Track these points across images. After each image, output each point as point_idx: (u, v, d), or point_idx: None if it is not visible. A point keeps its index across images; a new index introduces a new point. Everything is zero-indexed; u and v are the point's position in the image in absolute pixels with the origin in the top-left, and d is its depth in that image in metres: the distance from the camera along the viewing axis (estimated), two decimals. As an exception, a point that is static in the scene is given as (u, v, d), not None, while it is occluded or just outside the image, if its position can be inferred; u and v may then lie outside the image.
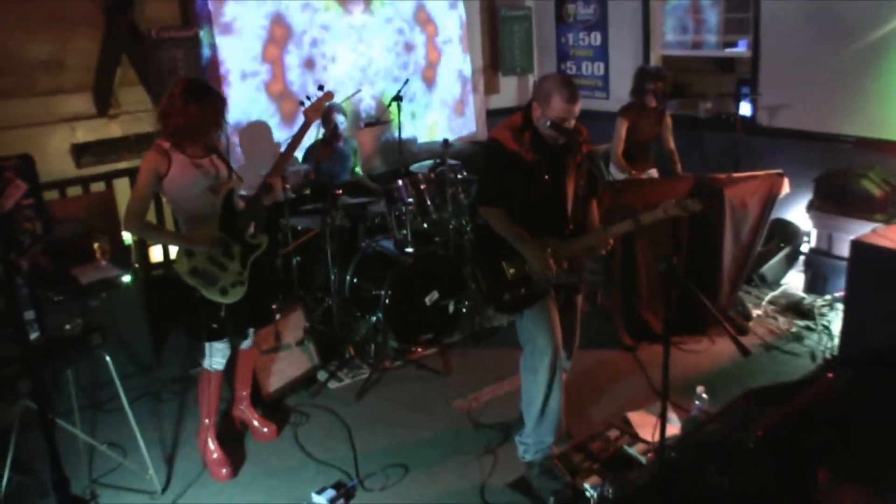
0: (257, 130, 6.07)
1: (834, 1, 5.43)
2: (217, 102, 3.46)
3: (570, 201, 3.49)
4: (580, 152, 3.29)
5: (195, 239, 3.48)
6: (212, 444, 3.80)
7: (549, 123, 3.25)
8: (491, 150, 3.45)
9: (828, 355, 4.72)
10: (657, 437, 3.39)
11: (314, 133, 5.70)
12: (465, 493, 3.59)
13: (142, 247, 5.37)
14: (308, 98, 3.90)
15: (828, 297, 5.39)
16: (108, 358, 3.51)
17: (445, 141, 5.41)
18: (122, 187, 5.44)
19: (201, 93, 3.42)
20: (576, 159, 3.41)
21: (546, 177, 3.39)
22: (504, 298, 3.46)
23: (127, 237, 5.26)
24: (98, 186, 5.42)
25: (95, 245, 4.85)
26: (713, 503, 3.11)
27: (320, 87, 3.94)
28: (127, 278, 4.72)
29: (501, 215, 3.38)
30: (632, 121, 5.58)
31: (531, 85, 8.10)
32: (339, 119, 5.65)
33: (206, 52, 5.67)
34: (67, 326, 3.40)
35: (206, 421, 3.81)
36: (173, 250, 5.06)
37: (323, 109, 3.91)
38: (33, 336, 4.15)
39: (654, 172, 5.75)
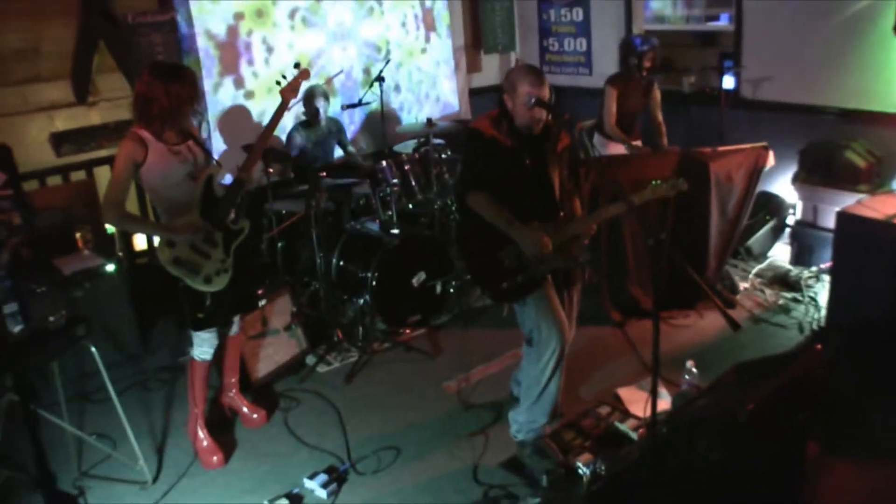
0: (237, 115, 6.00)
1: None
2: (191, 76, 3.46)
3: (557, 188, 3.48)
4: (559, 139, 3.31)
5: (176, 228, 3.42)
6: (201, 433, 3.78)
7: (534, 100, 3.23)
8: (470, 139, 3.44)
9: (815, 326, 4.74)
10: (648, 413, 3.40)
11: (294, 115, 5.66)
12: (457, 474, 3.59)
13: (125, 235, 5.31)
14: (284, 77, 3.82)
15: (814, 268, 5.42)
16: (93, 349, 3.47)
17: (429, 120, 5.37)
18: (103, 175, 5.36)
19: (175, 71, 3.41)
20: (556, 146, 3.41)
21: (527, 161, 3.38)
22: (502, 287, 3.44)
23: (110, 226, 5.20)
24: (79, 175, 5.35)
25: (78, 235, 4.79)
26: (705, 478, 3.12)
27: (296, 66, 3.85)
28: (111, 267, 4.67)
29: (488, 199, 3.35)
30: (620, 90, 5.56)
31: (513, 62, 8.05)
32: (321, 105, 5.60)
33: (184, 34, 5.59)
34: (51, 318, 3.34)
35: (196, 410, 3.78)
36: (156, 239, 5.05)
37: (299, 88, 3.82)
38: (17, 329, 4.11)
39: (639, 144, 5.74)
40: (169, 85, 3.31)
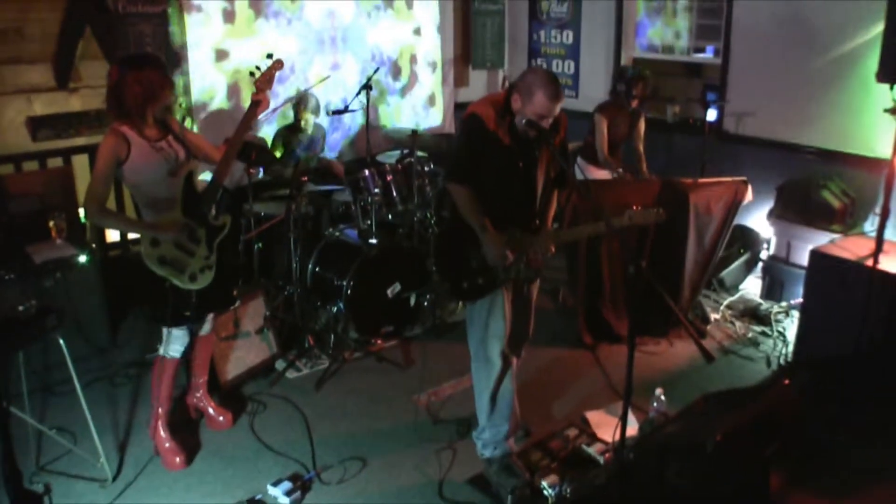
0: (220, 112, 5.96)
1: (805, 11, 5.50)
2: (160, 62, 3.47)
3: (538, 195, 3.48)
4: (551, 145, 3.26)
5: (161, 226, 3.38)
6: (164, 433, 3.72)
7: (524, 121, 3.22)
8: (470, 125, 3.32)
9: (782, 361, 4.80)
10: (615, 438, 3.41)
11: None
12: (423, 488, 3.57)
13: (98, 227, 5.23)
14: (258, 68, 3.74)
15: (784, 303, 5.49)
16: (61, 340, 3.40)
17: (414, 132, 5.36)
18: (80, 163, 5.29)
19: (144, 58, 3.45)
20: (545, 153, 3.39)
21: (520, 164, 3.35)
22: (462, 286, 3.45)
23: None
24: (56, 162, 5.27)
25: (51, 223, 4.70)
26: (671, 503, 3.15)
27: (269, 56, 3.76)
28: (83, 258, 4.59)
29: (469, 196, 3.31)
30: (610, 119, 5.62)
31: (500, 80, 8.09)
32: (310, 119, 5.60)
33: (174, 28, 5.54)
34: (21, 307, 3.28)
35: (160, 409, 3.72)
36: (131, 234, 4.98)
37: (273, 79, 3.73)
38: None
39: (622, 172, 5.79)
40: (139, 72, 3.29)
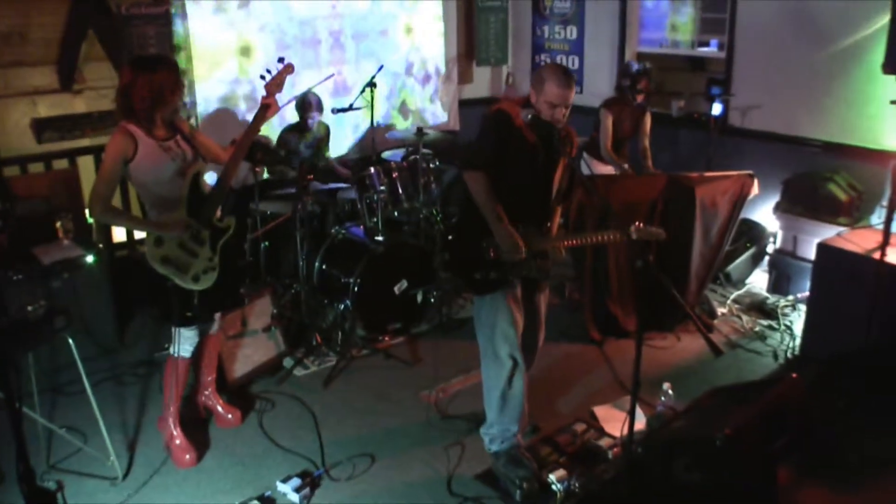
0: (224, 114, 5.97)
1: (810, 3, 5.48)
2: (173, 64, 3.45)
3: (552, 198, 3.50)
4: (568, 154, 3.34)
5: (165, 224, 3.39)
6: (175, 431, 3.74)
7: (529, 116, 3.25)
8: (496, 119, 3.38)
9: (790, 355, 4.79)
10: (623, 432, 3.41)
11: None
12: (432, 484, 3.58)
13: (104, 227, 5.25)
14: (268, 72, 3.75)
15: (791, 297, 5.48)
16: (70, 341, 3.42)
17: (419, 129, 5.36)
18: (85, 165, 5.31)
19: (156, 60, 3.41)
20: (563, 160, 3.43)
21: (540, 164, 3.40)
22: (474, 276, 3.46)
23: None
24: (61, 163, 5.29)
25: (58, 224, 4.72)
26: (679, 499, 3.15)
27: (280, 60, 3.78)
28: (90, 258, 4.60)
29: (486, 183, 3.33)
30: (615, 115, 5.63)
31: (504, 76, 8.09)
32: (312, 115, 5.60)
33: (178, 29, 5.55)
34: (30, 308, 3.30)
35: (171, 407, 3.73)
36: (139, 232, 4.99)
37: (283, 83, 3.75)
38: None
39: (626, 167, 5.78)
40: (152, 74, 3.28)
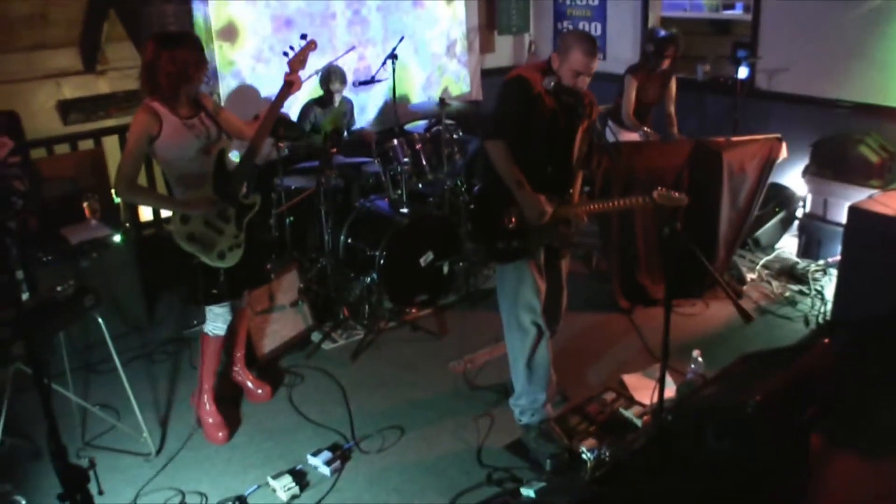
0: (247, 90, 5.96)
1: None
2: (196, 40, 3.41)
3: (574, 163, 3.46)
4: (589, 118, 3.32)
5: (191, 203, 3.39)
6: (209, 407, 3.78)
7: (552, 84, 3.21)
8: (515, 85, 3.32)
9: (821, 320, 4.73)
10: (653, 401, 3.40)
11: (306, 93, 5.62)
12: (461, 456, 3.59)
13: (131, 206, 5.29)
14: (291, 48, 3.72)
15: (821, 262, 5.40)
16: (100, 319, 3.46)
17: (442, 100, 5.32)
18: (111, 145, 5.34)
19: (179, 37, 3.38)
20: (583, 124, 3.39)
21: (561, 128, 3.36)
22: (497, 245, 3.45)
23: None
24: (87, 144, 5.32)
25: (85, 204, 4.76)
26: (710, 467, 3.13)
27: (303, 37, 3.75)
28: (118, 238, 4.64)
29: (507, 152, 3.30)
30: (641, 82, 5.56)
31: (527, 44, 7.99)
32: (336, 87, 5.56)
33: (198, 7, 5.53)
34: (59, 288, 3.33)
35: (206, 385, 3.77)
36: (165, 211, 5.01)
37: (307, 59, 3.72)
38: (23, 297, 4.09)
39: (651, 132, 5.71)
40: (174, 51, 3.25)
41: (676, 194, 3.14)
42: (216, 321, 3.67)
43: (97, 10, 5.38)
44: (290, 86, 3.61)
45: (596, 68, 3.29)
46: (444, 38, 7.00)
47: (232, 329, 3.80)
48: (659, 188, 3.15)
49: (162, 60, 3.25)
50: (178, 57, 3.26)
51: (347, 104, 5.87)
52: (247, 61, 5.86)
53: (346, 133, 5.87)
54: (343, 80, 5.63)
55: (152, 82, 3.30)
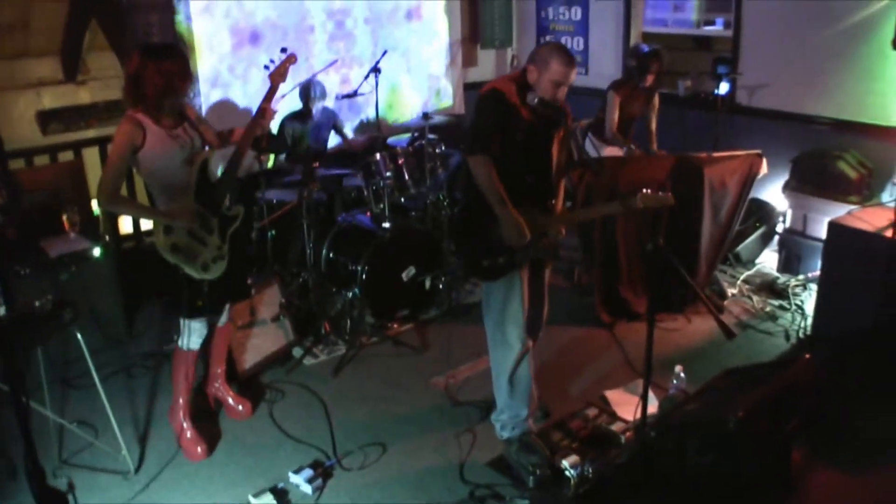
0: (228, 103, 5.94)
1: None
2: (182, 53, 3.43)
3: (553, 173, 3.47)
4: (565, 126, 3.32)
5: (174, 213, 3.36)
6: (186, 423, 3.73)
7: (536, 100, 3.22)
8: (491, 98, 3.31)
9: (801, 335, 4.76)
10: (636, 416, 3.39)
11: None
12: (444, 472, 3.57)
13: (111, 218, 5.23)
14: (271, 61, 3.74)
15: (801, 276, 5.44)
16: (78, 334, 3.41)
17: (425, 114, 5.33)
18: (91, 156, 5.29)
19: (166, 49, 3.38)
20: (559, 133, 3.40)
21: (539, 139, 3.35)
22: (482, 263, 3.44)
23: (97, 208, 5.12)
24: (67, 155, 5.27)
25: (64, 216, 4.69)
26: (693, 482, 3.13)
27: (283, 50, 3.77)
28: (97, 251, 4.58)
29: (489, 166, 3.27)
30: (623, 98, 5.58)
31: (509, 58, 8.03)
32: (318, 106, 5.56)
33: (182, 18, 5.50)
34: (37, 302, 3.28)
35: (181, 400, 3.73)
36: (145, 223, 4.97)
37: (287, 72, 3.74)
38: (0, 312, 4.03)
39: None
40: (160, 63, 3.24)
41: (661, 195, 3.13)
42: (192, 335, 3.63)
43: (79, 19, 5.34)
44: (262, 115, 3.62)
45: (574, 79, 3.30)
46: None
47: (206, 343, 3.77)
48: (643, 190, 3.14)
49: (148, 72, 3.24)
50: (165, 69, 3.25)
51: (328, 112, 5.85)
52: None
53: (340, 137, 5.86)
54: (323, 95, 5.62)
55: (137, 94, 3.28)
